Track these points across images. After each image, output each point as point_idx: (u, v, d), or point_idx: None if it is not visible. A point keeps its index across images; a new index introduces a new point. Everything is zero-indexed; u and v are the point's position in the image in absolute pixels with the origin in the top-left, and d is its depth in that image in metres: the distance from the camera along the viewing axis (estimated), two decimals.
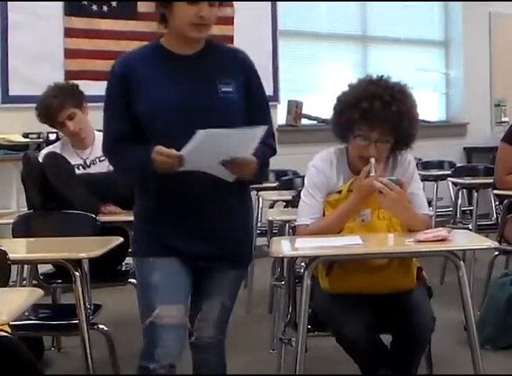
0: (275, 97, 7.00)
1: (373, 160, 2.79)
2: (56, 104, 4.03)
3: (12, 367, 2.21)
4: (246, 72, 2.58)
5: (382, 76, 2.93)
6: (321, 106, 7.14)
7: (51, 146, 4.26)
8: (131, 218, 3.80)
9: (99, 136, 4.18)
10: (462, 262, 2.71)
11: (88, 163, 4.11)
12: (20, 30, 5.57)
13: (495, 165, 4.41)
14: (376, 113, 2.81)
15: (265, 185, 5.40)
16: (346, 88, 2.96)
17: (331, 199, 2.91)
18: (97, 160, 4.13)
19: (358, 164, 2.89)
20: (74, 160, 4.05)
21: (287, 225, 3.56)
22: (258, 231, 5.04)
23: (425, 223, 2.89)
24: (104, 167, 4.12)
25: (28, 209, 3.70)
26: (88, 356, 2.84)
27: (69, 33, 5.83)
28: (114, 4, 6.01)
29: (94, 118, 5.72)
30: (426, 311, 2.75)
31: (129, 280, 3.81)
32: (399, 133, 2.86)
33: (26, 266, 3.55)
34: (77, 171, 3.98)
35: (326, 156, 2.98)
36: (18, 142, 5.37)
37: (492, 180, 4.46)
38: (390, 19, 7.91)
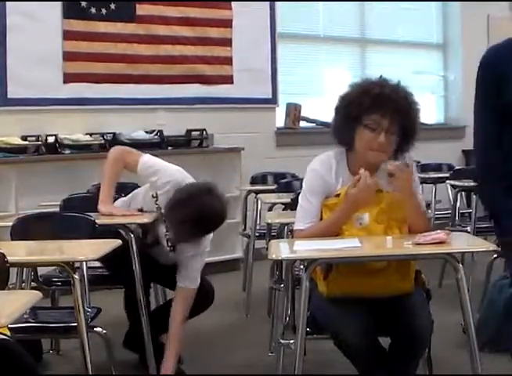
0: (274, 100, 7.01)
1: (365, 172, 2.79)
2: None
3: (11, 370, 2.21)
4: None
5: (381, 75, 2.94)
6: (320, 108, 7.15)
7: None
8: (129, 221, 3.80)
9: None
10: (460, 265, 2.71)
11: None
12: (19, 33, 5.57)
13: None
14: (387, 98, 2.81)
15: (263, 187, 5.41)
16: (346, 89, 2.94)
17: (329, 202, 2.90)
18: None
19: (368, 159, 2.86)
20: None
21: (286, 227, 3.56)
22: (257, 234, 5.04)
23: (426, 219, 2.90)
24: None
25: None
26: (87, 358, 2.83)
27: (68, 35, 5.83)
28: (113, 7, 6.01)
29: (92, 119, 5.76)
30: (424, 314, 2.75)
31: None
32: (407, 124, 2.86)
33: (25, 269, 3.55)
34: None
35: (326, 159, 2.96)
36: (16, 145, 5.37)
37: None
38: (388, 21, 7.92)
